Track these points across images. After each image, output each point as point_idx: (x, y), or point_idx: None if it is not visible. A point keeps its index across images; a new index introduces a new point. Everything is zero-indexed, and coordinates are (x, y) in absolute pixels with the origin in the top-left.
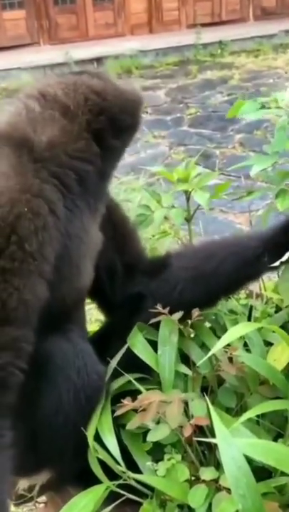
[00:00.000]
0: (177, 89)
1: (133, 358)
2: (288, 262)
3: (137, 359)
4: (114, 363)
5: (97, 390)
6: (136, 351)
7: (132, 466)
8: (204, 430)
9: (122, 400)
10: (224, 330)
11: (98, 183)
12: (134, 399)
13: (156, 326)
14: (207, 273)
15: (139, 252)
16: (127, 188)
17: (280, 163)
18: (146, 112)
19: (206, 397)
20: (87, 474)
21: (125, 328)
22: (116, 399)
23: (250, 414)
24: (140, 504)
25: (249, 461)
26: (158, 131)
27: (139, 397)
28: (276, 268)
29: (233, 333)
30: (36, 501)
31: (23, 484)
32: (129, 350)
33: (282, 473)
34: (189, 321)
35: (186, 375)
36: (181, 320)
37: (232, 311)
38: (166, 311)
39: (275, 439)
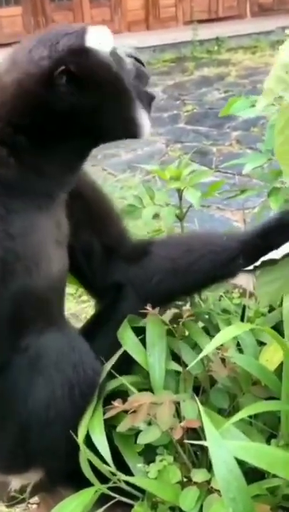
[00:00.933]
0: (174, 86)
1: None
2: (265, 265)
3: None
4: (109, 365)
5: (92, 387)
6: (126, 347)
7: (124, 467)
8: (197, 431)
9: (113, 402)
10: (217, 330)
11: (39, 180)
12: (125, 400)
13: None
14: (184, 267)
15: (120, 235)
16: (123, 185)
17: (275, 160)
18: None
19: (197, 399)
20: (78, 475)
21: (107, 320)
22: (107, 399)
23: (242, 414)
24: (131, 506)
25: (241, 462)
26: (155, 128)
27: (130, 398)
28: (251, 271)
29: (226, 334)
30: (28, 502)
31: (15, 485)
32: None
33: (275, 475)
34: (180, 321)
35: (177, 375)
36: (173, 320)
37: (225, 311)
38: (156, 312)
39: (268, 440)
